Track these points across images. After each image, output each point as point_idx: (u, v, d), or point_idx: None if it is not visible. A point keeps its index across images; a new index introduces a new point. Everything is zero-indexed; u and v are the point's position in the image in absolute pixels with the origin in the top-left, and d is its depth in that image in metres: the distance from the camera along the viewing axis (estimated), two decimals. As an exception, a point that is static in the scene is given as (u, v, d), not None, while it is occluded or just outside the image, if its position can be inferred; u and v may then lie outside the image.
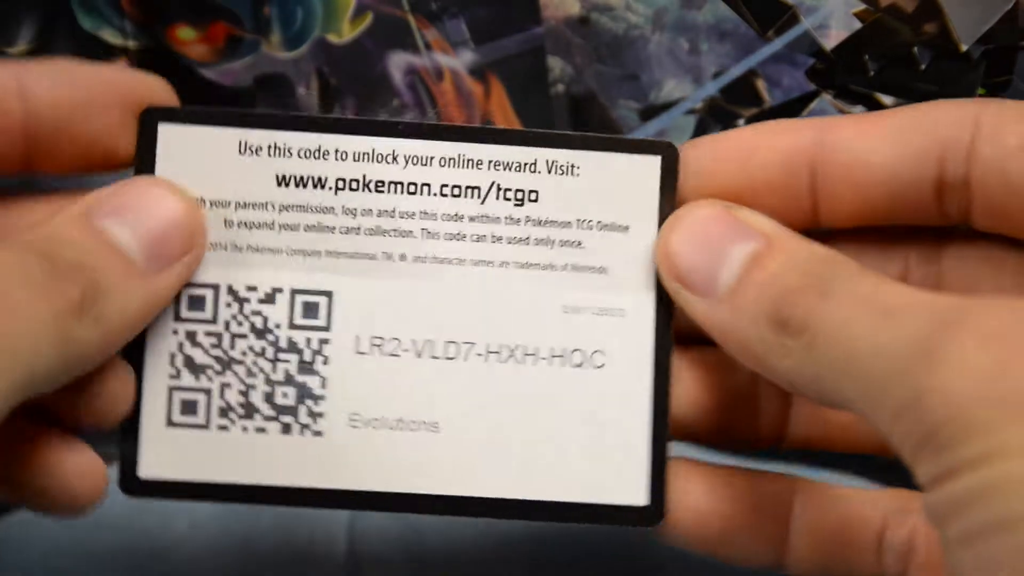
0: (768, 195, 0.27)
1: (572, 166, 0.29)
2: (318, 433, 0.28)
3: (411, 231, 0.28)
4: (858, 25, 0.40)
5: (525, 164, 0.29)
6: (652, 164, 0.29)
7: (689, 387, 0.29)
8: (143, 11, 0.44)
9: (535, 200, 0.29)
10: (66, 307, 0.23)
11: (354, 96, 0.46)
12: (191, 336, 0.28)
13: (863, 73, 0.41)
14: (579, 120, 0.47)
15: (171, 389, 0.28)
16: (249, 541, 0.36)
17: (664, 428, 0.28)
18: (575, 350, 0.28)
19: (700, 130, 0.45)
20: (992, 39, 0.39)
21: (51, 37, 0.44)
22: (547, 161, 0.29)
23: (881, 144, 0.26)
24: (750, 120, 0.44)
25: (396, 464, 0.28)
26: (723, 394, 0.30)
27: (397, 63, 0.46)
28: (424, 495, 0.28)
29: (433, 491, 0.28)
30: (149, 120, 0.28)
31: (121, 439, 0.28)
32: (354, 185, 0.28)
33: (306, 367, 0.28)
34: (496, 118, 0.47)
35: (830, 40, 0.41)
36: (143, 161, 0.28)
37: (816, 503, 0.29)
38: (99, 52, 0.44)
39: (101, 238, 0.25)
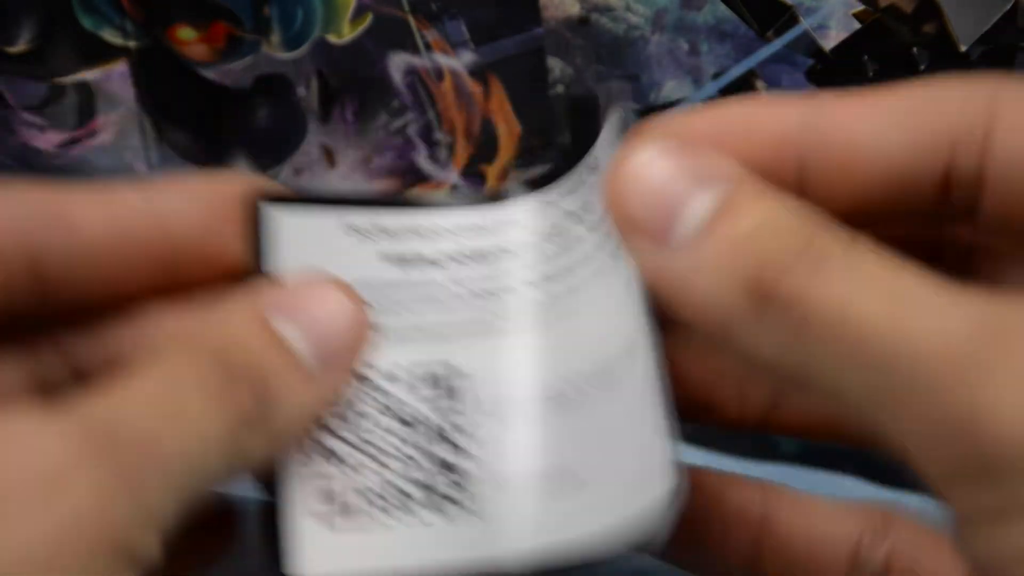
0: None
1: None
2: (464, 502, 0.27)
3: (515, 288, 0.28)
4: (857, 26, 0.40)
5: (572, 213, 0.29)
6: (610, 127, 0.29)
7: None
8: (143, 11, 0.44)
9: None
10: (238, 416, 0.22)
11: (354, 96, 0.46)
12: (317, 420, 0.27)
13: (862, 74, 0.41)
14: (579, 120, 0.47)
15: (307, 477, 0.26)
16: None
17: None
18: None
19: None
20: (992, 39, 0.39)
21: (51, 37, 0.44)
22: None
23: (884, 129, 0.24)
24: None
25: (549, 517, 0.26)
26: (704, 369, 0.28)
27: (397, 63, 0.46)
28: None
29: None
30: (260, 211, 0.27)
31: (263, 536, 0.27)
32: (458, 256, 0.28)
33: (438, 437, 0.27)
34: (496, 118, 0.47)
35: (829, 41, 0.41)
36: (260, 253, 0.27)
37: (787, 516, 0.26)
38: (99, 52, 0.44)
39: (275, 340, 0.24)
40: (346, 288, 0.26)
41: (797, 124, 0.24)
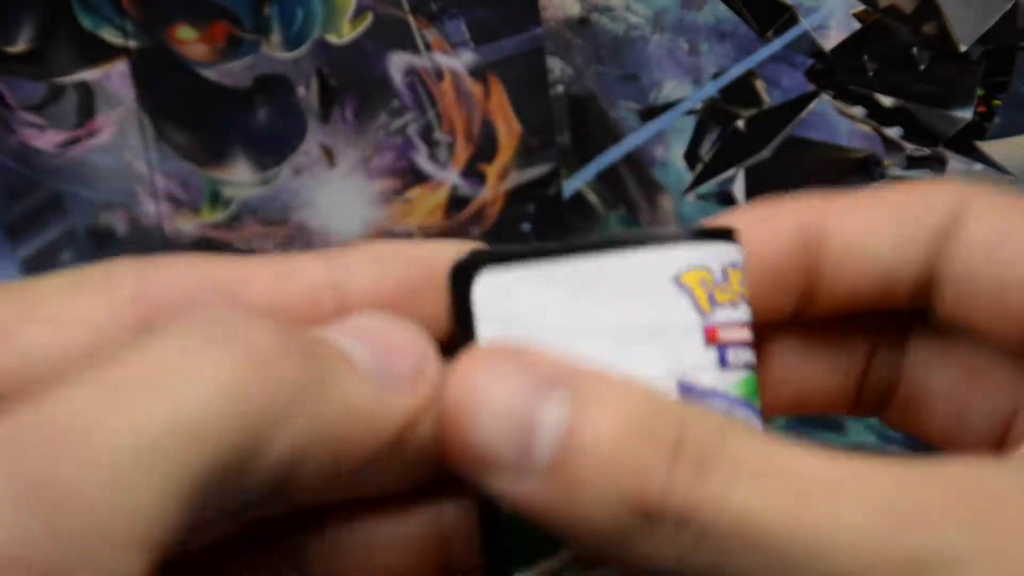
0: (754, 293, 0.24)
1: None
2: None
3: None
4: (857, 26, 0.40)
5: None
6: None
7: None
8: (143, 11, 0.44)
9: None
10: (274, 383, 0.20)
11: (354, 96, 0.46)
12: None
13: (862, 73, 0.41)
14: (579, 120, 0.47)
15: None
16: None
17: None
18: None
19: (700, 130, 0.45)
20: (991, 39, 0.39)
21: (51, 36, 0.44)
22: None
23: (881, 231, 0.23)
24: (750, 120, 0.44)
25: None
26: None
27: (397, 63, 0.46)
28: None
29: None
30: (462, 277, 0.25)
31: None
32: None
33: None
34: (496, 118, 0.47)
35: (829, 40, 0.41)
36: (463, 323, 0.25)
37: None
38: (99, 52, 0.44)
39: (331, 345, 0.21)
40: (409, 326, 0.23)
41: (800, 230, 0.24)
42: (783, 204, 0.24)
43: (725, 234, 0.23)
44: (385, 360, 0.22)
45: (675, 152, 0.46)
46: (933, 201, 0.24)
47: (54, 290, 0.22)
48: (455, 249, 0.24)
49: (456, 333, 0.25)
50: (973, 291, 0.23)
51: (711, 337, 0.23)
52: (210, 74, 0.45)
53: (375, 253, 0.24)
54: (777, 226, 0.24)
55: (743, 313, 0.23)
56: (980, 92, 0.40)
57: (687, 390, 0.23)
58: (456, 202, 0.48)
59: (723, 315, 0.23)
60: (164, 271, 0.22)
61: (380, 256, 0.24)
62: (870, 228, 0.24)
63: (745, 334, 0.23)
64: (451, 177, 0.47)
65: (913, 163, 0.42)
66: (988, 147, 0.40)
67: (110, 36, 0.44)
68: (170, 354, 0.19)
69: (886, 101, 0.41)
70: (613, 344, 0.24)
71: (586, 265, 0.25)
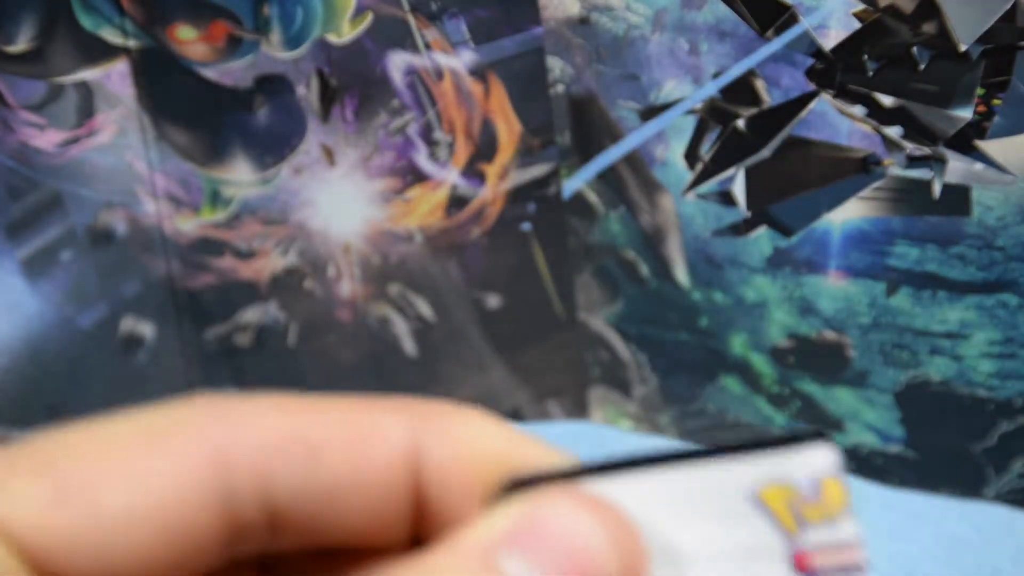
0: None
1: None
2: None
3: None
4: (857, 25, 0.40)
5: None
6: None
7: None
8: (143, 10, 0.44)
9: None
10: None
11: (354, 96, 0.46)
12: None
13: (862, 73, 0.41)
14: (579, 120, 0.47)
15: None
16: None
17: None
18: None
19: (700, 130, 0.45)
20: (991, 39, 0.39)
21: (51, 36, 0.44)
22: None
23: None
24: (750, 120, 0.44)
25: None
26: None
27: (397, 63, 0.46)
28: None
29: None
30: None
31: None
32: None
33: None
34: (496, 118, 0.47)
35: (829, 40, 0.41)
36: None
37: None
38: (99, 51, 0.44)
39: None
40: (603, 506, 0.20)
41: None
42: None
43: (814, 437, 0.21)
44: None
45: (675, 152, 0.46)
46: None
47: (131, 442, 0.21)
48: (542, 457, 0.22)
49: None
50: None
51: (801, 565, 0.21)
52: (210, 74, 0.45)
53: (464, 436, 0.22)
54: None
55: (846, 532, 0.20)
56: (980, 91, 0.40)
57: None
58: (456, 201, 0.48)
59: (817, 536, 0.20)
60: (245, 426, 0.21)
61: (469, 441, 0.22)
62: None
63: (853, 556, 0.20)
64: (451, 177, 0.47)
65: (913, 162, 0.42)
66: (988, 146, 0.40)
67: (110, 36, 0.44)
68: None
69: (886, 101, 0.41)
70: (695, 572, 0.22)
71: (659, 483, 0.22)
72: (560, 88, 0.47)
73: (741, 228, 0.45)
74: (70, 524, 0.19)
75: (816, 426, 0.20)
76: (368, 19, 0.45)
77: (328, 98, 0.46)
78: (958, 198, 0.41)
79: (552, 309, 0.51)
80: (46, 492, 0.19)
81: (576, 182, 0.48)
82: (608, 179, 0.48)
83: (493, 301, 0.50)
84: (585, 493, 0.20)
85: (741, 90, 0.43)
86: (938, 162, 0.41)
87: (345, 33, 0.45)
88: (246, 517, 0.21)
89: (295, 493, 0.21)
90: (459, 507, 0.21)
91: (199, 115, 0.46)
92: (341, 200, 0.48)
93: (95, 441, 0.20)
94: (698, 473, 0.22)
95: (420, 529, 0.22)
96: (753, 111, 0.43)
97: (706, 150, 0.45)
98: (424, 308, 0.50)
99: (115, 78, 0.45)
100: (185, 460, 0.20)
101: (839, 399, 0.47)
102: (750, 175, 0.45)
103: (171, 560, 0.20)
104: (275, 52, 0.45)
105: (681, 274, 0.48)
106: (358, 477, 0.21)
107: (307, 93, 0.46)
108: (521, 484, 0.22)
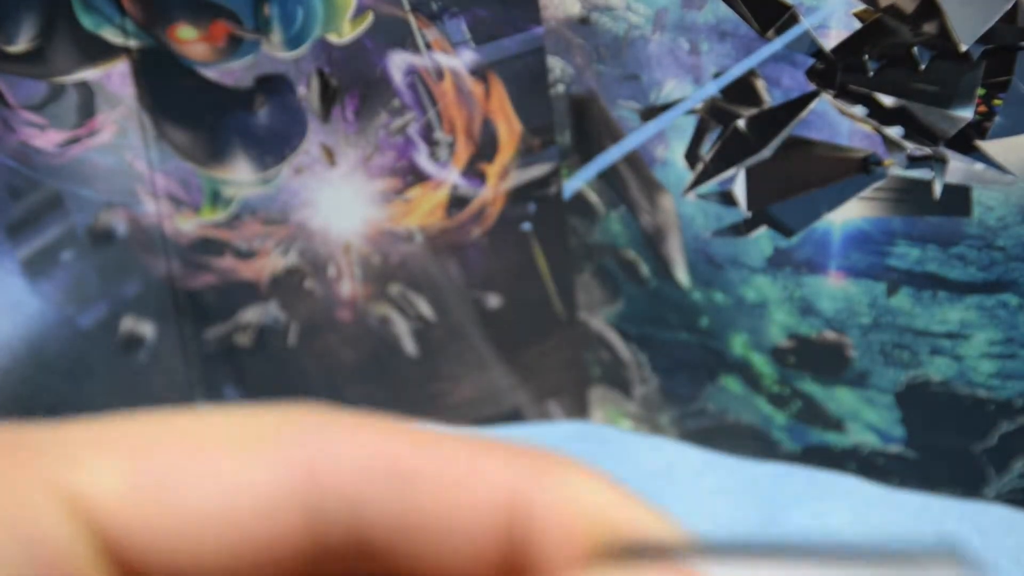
0: None
1: None
2: None
3: None
4: (858, 25, 0.40)
5: None
6: None
7: None
8: (143, 10, 0.44)
9: None
10: None
11: (354, 96, 0.46)
12: None
13: (863, 73, 0.41)
14: (579, 120, 0.47)
15: None
16: None
17: None
18: None
19: (700, 130, 0.45)
20: (992, 39, 0.39)
21: (51, 36, 0.44)
22: None
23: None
24: (750, 120, 0.44)
25: None
26: None
27: (397, 63, 0.46)
28: None
29: None
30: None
31: None
32: None
33: None
34: (496, 118, 0.47)
35: (830, 40, 0.41)
36: None
37: None
38: (99, 51, 0.44)
39: None
40: None
41: None
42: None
43: (944, 555, 0.19)
44: None
45: (675, 152, 0.46)
46: None
47: (221, 444, 0.20)
48: (661, 529, 0.20)
49: None
50: None
51: None
52: (210, 74, 0.45)
53: (572, 490, 0.20)
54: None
55: None
56: (981, 91, 0.40)
57: None
58: (456, 201, 0.48)
59: None
60: (342, 444, 0.20)
61: (576, 496, 0.20)
62: None
63: None
64: (451, 176, 0.47)
65: (914, 162, 0.42)
66: (989, 147, 0.40)
67: (110, 36, 0.44)
68: None
69: (887, 101, 0.41)
70: None
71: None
72: (560, 88, 0.47)
73: (741, 228, 0.45)
74: (151, 517, 0.19)
75: (950, 544, 0.18)
76: (368, 19, 0.45)
77: (328, 98, 0.46)
78: (959, 198, 0.41)
79: (552, 309, 0.51)
80: (130, 478, 0.19)
81: (576, 182, 0.48)
82: (608, 179, 0.48)
83: (493, 301, 0.50)
84: (692, 573, 0.19)
85: (742, 90, 0.43)
86: (939, 162, 0.41)
87: (346, 33, 0.45)
88: (332, 539, 0.20)
89: (387, 523, 0.20)
90: (556, 562, 0.20)
91: (199, 115, 0.46)
92: (341, 200, 0.48)
93: (183, 435, 0.19)
94: (819, 572, 0.20)
95: None
96: (754, 111, 0.43)
97: (706, 150, 0.45)
98: (424, 308, 0.50)
99: (115, 78, 0.45)
100: (277, 472, 0.19)
101: (839, 399, 0.47)
102: (751, 175, 0.45)
103: (248, 574, 0.19)
104: (275, 52, 0.45)
105: (681, 274, 0.48)
106: (455, 516, 0.20)
107: (307, 93, 0.46)
108: (626, 551, 0.20)
